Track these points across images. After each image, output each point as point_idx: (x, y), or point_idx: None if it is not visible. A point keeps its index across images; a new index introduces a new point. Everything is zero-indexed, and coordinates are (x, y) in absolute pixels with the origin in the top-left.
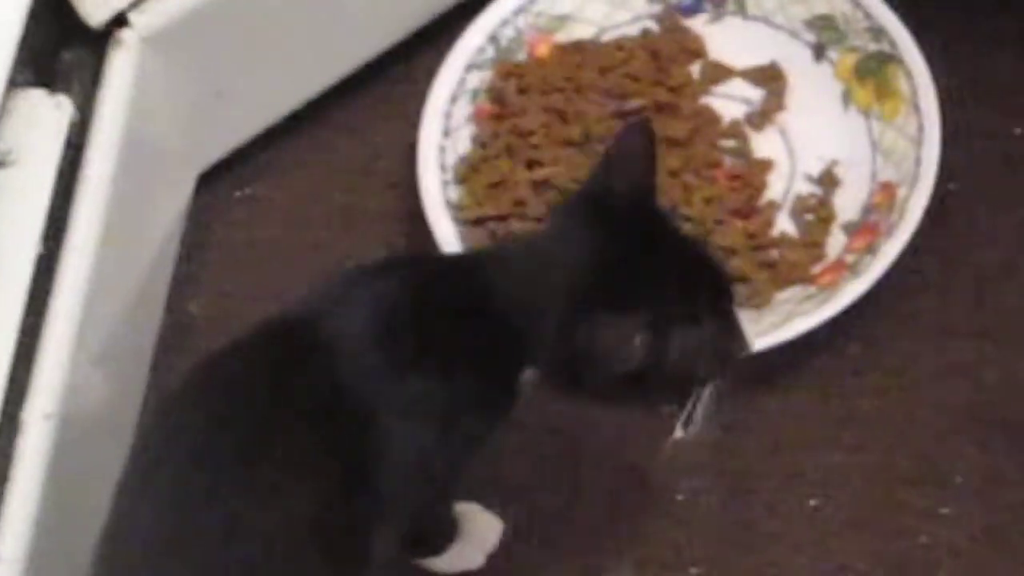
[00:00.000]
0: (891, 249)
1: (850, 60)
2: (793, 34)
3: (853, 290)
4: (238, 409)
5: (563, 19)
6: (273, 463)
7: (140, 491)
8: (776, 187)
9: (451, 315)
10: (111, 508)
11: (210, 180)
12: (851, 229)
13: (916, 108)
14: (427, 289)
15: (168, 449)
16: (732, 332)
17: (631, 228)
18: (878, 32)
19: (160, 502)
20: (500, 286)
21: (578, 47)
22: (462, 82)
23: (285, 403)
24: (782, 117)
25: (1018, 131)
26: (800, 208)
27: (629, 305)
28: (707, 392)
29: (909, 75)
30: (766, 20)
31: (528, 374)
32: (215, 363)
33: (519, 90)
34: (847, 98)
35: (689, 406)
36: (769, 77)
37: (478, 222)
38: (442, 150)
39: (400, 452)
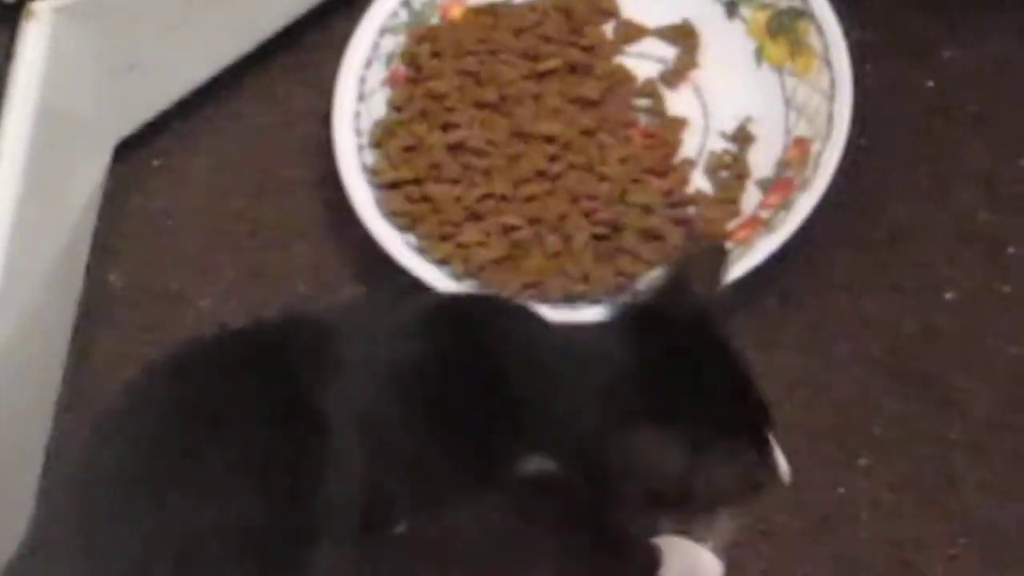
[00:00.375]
0: (805, 204)
1: (762, 17)
2: None
3: (768, 245)
4: (199, 404)
5: None
6: (222, 463)
7: (87, 464)
8: (691, 145)
9: (463, 387)
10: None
11: (127, 150)
12: (766, 185)
13: (828, 64)
14: (445, 351)
15: (122, 431)
16: (767, 464)
17: (686, 345)
18: None
19: (104, 478)
20: (525, 365)
21: (491, 9)
22: (376, 47)
23: (246, 406)
24: (696, 75)
25: (930, 84)
26: (715, 165)
27: (673, 420)
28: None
29: (820, 31)
30: None
31: (536, 461)
32: (185, 354)
33: (433, 54)
34: (760, 55)
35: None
36: (682, 35)
37: (394, 186)
38: (357, 115)
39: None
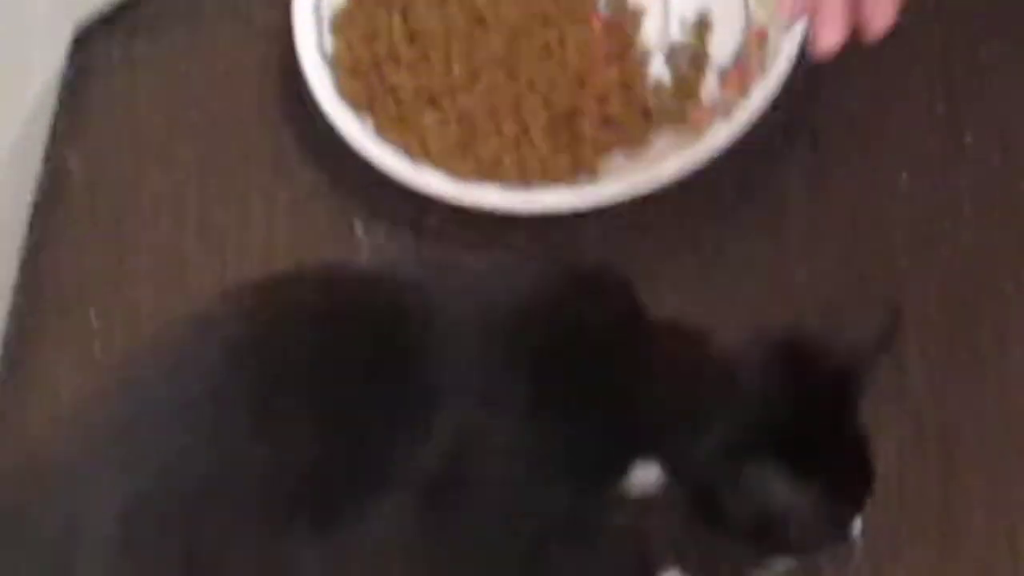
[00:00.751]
0: (762, 92)
1: None
2: None
3: (724, 131)
4: (295, 339)
5: None
6: (297, 402)
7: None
8: (651, 33)
9: (590, 375)
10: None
11: (88, 37)
12: (724, 73)
13: None
14: (575, 331)
15: (189, 365)
16: (850, 529)
17: (831, 396)
18: None
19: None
20: (665, 366)
21: None
22: None
23: (346, 348)
24: None
25: None
26: (674, 54)
27: (804, 460)
28: None
29: None
30: None
31: (651, 471)
32: (262, 290)
33: None
34: None
35: None
36: None
37: (352, 71)
38: (318, 1)
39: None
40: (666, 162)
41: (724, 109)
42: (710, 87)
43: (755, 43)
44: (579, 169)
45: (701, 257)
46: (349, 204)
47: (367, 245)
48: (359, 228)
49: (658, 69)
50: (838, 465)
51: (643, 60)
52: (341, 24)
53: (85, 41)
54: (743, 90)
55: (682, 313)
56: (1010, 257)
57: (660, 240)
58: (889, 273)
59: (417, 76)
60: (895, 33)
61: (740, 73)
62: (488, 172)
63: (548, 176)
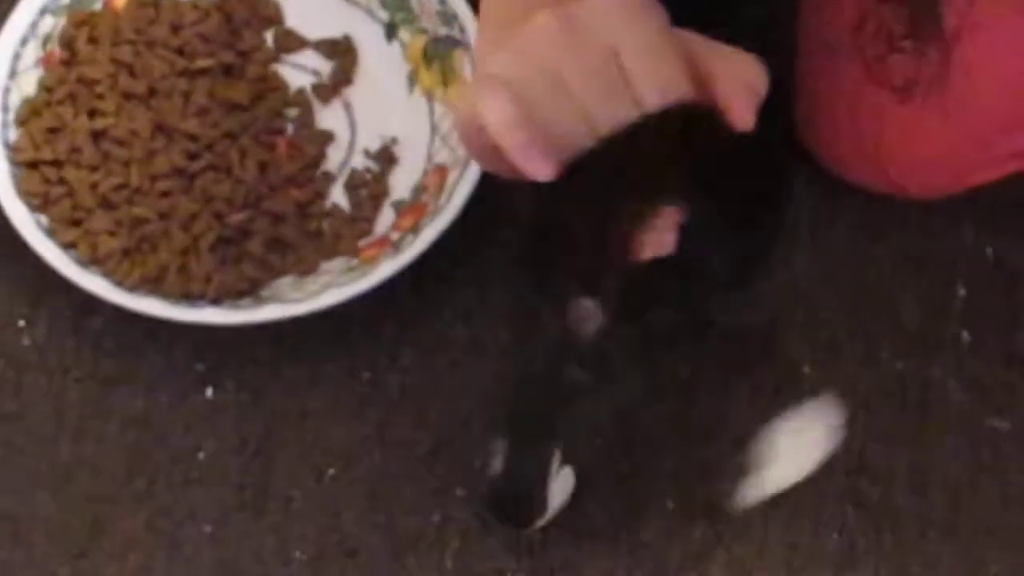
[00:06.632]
0: (432, 230)
1: (419, 42)
2: (369, 11)
3: (390, 266)
4: None
5: None
6: None
7: None
8: (334, 159)
9: None
10: None
11: None
12: (401, 207)
13: None
14: None
15: None
16: None
17: None
18: (450, 17)
19: None
20: None
21: (155, 2)
22: (35, 25)
23: None
24: (349, 91)
25: None
26: (355, 182)
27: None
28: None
29: (474, 61)
30: None
31: None
32: None
33: (90, 39)
34: (413, 79)
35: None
36: (340, 51)
37: (32, 165)
38: (7, 91)
39: None
40: (329, 291)
41: (395, 244)
42: (386, 219)
43: (435, 180)
44: (243, 288)
45: (356, 388)
46: (17, 296)
47: (30, 338)
48: (22, 322)
49: (337, 195)
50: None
51: (322, 186)
52: (27, 116)
53: None
54: (416, 226)
55: (335, 441)
56: None
57: (316, 367)
58: None
59: (95, 177)
60: None
61: (416, 209)
62: (153, 280)
63: (211, 292)
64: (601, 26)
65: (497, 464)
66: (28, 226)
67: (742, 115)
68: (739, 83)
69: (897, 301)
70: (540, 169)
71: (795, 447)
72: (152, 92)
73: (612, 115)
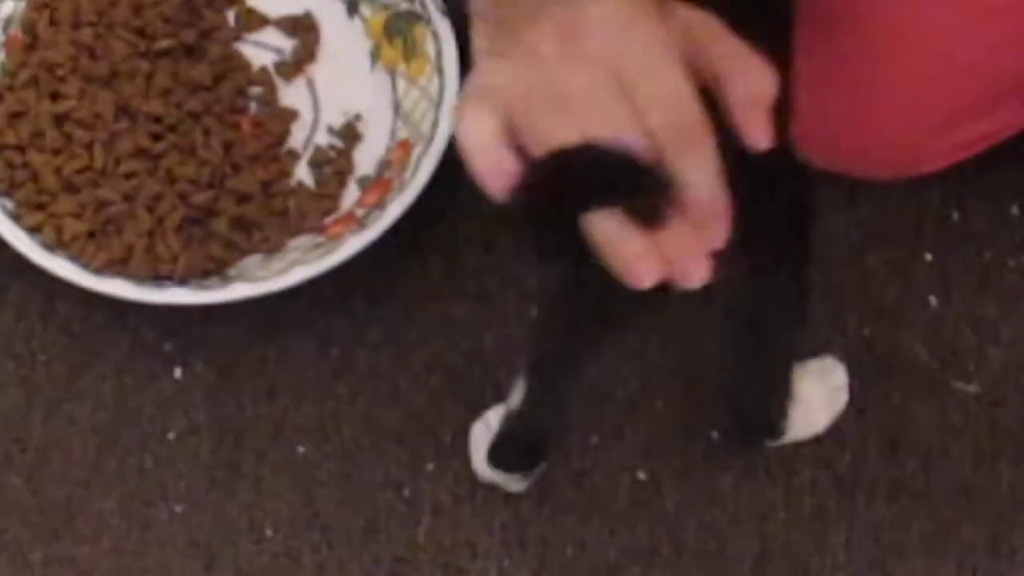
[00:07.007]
0: (398, 206)
1: (381, 18)
2: None
3: (357, 242)
4: None
5: None
6: None
7: None
8: (298, 137)
9: None
10: None
11: None
12: (366, 183)
13: (439, 70)
14: None
15: None
16: None
17: None
18: None
19: None
20: None
21: None
22: None
23: None
24: (311, 68)
25: None
26: (319, 160)
27: None
28: None
29: (436, 37)
30: None
31: None
32: None
33: (51, 23)
34: (375, 55)
35: None
36: (302, 28)
37: None
38: None
39: None
40: (296, 269)
41: (361, 220)
42: (351, 195)
43: (399, 155)
44: (210, 268)
45: (325, 365)
46: None
47: None
48: None
49: (302, 173)
50: None
51: (287, 163)
52: None
53: None
54: (381, 202)
55: (304, 419)
56: None
57: (284, 345)
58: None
59: (59, 160)
60: None
61: (381, 184)
62: (119, 262)
63: (178, 272)
64: (603, 35)
65: (515, 401)
66: None
67: (757, 136)
68: (750, 99)
69: (864, 266)
70: (499, 196)
71: (803, 407)
72: (114, 74)
73: (612, 130)
